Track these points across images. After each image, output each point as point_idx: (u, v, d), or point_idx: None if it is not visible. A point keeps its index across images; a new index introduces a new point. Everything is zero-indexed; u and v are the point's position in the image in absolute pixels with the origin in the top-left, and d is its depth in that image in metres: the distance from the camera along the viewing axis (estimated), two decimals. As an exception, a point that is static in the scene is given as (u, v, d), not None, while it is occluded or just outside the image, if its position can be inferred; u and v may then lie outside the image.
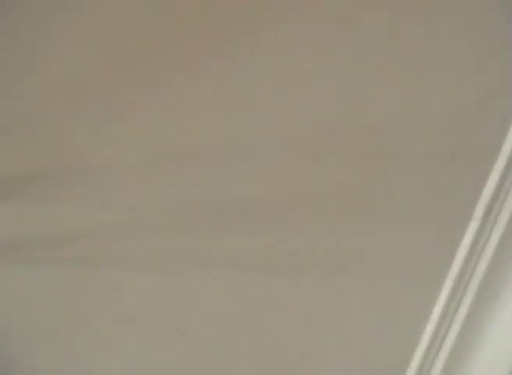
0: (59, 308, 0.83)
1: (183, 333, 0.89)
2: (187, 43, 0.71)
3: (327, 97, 0.75)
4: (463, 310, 0.87)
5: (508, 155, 0.78)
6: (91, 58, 0.70)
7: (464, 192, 0.82)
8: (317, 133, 0.77)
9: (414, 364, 0.93)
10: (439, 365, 0.91)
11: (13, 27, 0.67)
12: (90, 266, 0.81)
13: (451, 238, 0.85)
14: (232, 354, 0.92)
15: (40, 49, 0.69)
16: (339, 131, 0.78)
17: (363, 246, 0.85)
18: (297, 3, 0.70)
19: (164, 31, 0.70)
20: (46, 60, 0.70)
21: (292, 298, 0.89)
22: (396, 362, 0.94)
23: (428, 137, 0.77)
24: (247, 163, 0.78)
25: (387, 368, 0.95)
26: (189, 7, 0.69)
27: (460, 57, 0.72)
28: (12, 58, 0.69)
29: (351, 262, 0.85)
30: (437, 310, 0.89)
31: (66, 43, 0.69)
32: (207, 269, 0.86)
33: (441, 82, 0.74)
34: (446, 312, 0.88)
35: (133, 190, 0.77)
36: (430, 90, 0.74)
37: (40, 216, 0.76)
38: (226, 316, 0.90)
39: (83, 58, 0.70)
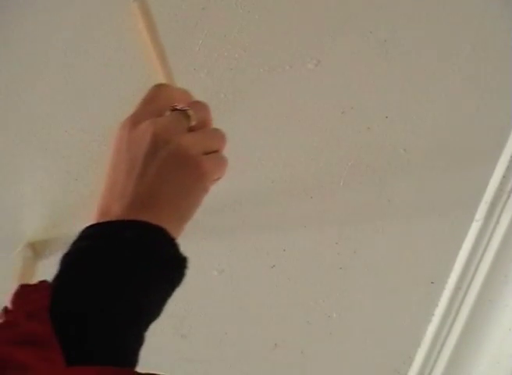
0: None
1: (183, 335, 0.89)
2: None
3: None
4: (464, 313, 0.86)
5: (511, 155, 0.77)
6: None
7: (466, 193, 0.81)
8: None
9: (415, 366, 0.92)
10: (439, 368, 0.91)
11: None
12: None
13: (452, 240, 0.84)
14: (231, 355, 0.92)
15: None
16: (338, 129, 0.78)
17: (362, 245, 0.84)
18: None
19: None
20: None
21: (292, 298, 0.89)
22: (397, 363, 0.94)
23: (429, 138, 0.77)
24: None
25: (387, 369, 0.94)
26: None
27: (461, 58, 0.71)
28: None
29: (350, 259, 0.85)
30: (438, 313, 0.88)
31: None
32: (207, 270, 0.86)
33: (442, 83, 0.73)
34: (447, 315, 0.88)
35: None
36: (430, 92, 0.74)
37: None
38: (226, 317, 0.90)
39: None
